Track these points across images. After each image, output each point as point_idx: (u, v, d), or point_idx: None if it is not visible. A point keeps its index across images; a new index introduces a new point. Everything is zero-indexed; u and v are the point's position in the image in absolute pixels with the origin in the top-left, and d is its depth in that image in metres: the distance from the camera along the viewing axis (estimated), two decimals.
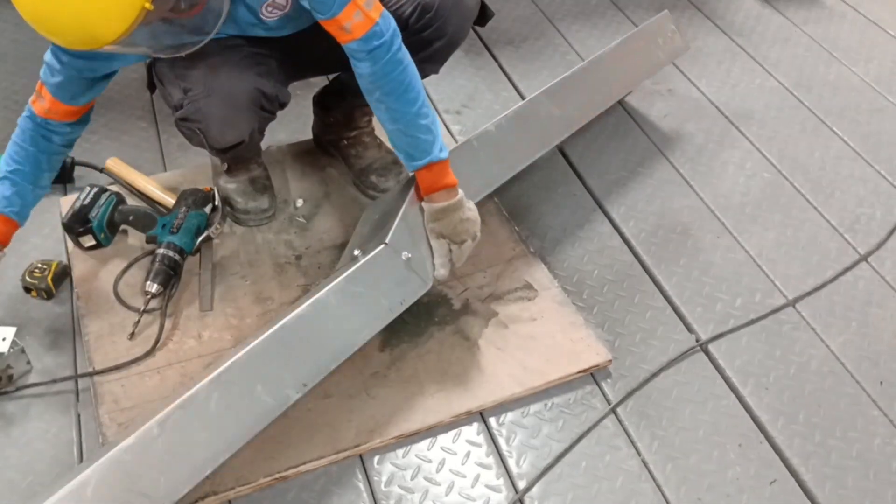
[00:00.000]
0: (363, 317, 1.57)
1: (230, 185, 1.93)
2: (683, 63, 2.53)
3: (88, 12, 1.25)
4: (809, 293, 1.89)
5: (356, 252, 1.62)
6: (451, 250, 1.64)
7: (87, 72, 1.58)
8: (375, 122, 2.02)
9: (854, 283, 1.93)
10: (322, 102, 2.02)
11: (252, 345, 1.44)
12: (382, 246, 1.58)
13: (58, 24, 1.29)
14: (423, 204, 1.62)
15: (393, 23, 1.56)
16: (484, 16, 1.82)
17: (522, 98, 2.43)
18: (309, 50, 1.72)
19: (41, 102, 1.61)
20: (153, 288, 1.73)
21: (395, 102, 1.58)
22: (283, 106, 1.75)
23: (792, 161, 2.26)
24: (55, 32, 1.31)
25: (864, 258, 1.99)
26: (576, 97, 2.07)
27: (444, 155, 1.61)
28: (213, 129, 1.66)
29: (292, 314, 1.49)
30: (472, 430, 1.60)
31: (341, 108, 1.99)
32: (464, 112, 2.37)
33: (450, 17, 1.70)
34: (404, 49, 1.57)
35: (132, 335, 1.70)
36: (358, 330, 1.55)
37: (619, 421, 1.63)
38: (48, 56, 1.56)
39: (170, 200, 1.91)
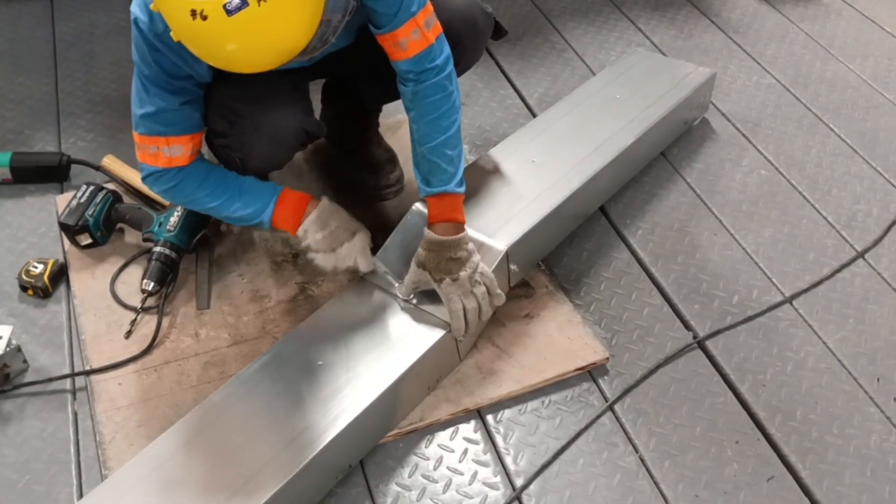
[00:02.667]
0: (411, 399, 1.59)
1: None
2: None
3: (283, 33, 1.21)
4: (806, 290, 1.89)
5: (398, 285, 1.65)
6: (421, 281, 1.60)
7: (198, 92, 1.53)
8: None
9: (851, 280, 1.93)
10: (331, 95, 2.01)
11: (341, 429, 1.43)
12: (447, 332, 1.60)
13: (262, 54, 1.24)
14: (425, 230, 1.59)
15: (447, 48, 1.55)
16: (498, 32, 1.82)
17: (520, 96, 2.43)
18: (335, 65, 1.71)
19: (178, 149, 1.53)
20: (150, 286, 1.73)
21: (427, 126, 1.58)
22: (318, 138, 1.74)
23: (788, 158, 2.26)
24: (258, 62, 1.25)
25: (861, 255, 1.99)
26: (628, 163, 2.07)
27: (460, 190, 1.60)
28: (253, 161, 1.62)
29: (369, 399, 1.47)
30: (469, 428, 1.60)
31: (350, 103, 1.98)
32: (460, 109, 2.36)
33: (464, 43, 1.68)
34: (454, 78, 1.57)
35: (129, 333, 1.70)
36: (399, 411, 1.57)
37: (617, 418, 1.63)
38: (150, 109, 1.48)
39: None
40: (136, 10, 1.41)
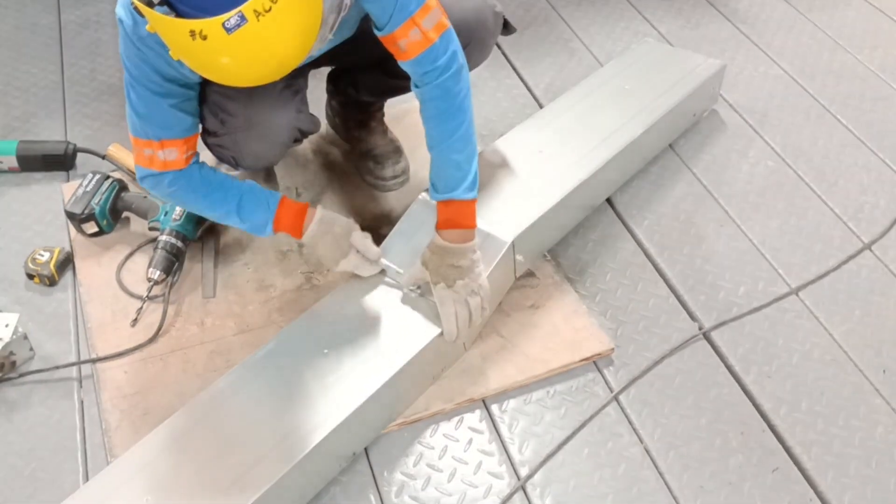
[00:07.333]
0: (415, 388, 1.59)
1: (233, 175, 1.92)
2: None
3: (282, 46, 1.19)
4: (812, 282, 1.89)
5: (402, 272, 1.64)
6: (421, 279, 1.60)
7: (188, 93, 1.51)
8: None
9: (857, 272, 1.92)
10: (336, 84, 2.00)
11: (345, 416, 1.44)
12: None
13: (266, 70, 1.23)
14: (434, 231, 1.58)
15: (454, 45, 1.50)
16: (506, 28, 1.81)
17: (526, 86, 2.42)
18: (335, 57, 1.70)
19: (172, 152, 1.51)
20: (156, 275, 1.73)
21: (434, 129, 1.56)
22: (312, 134, 1.74)
23: (796, 149, 2.25)
24: (260, 76, 1.24)
25: (868, 247, 1.98)
26: (636, 155, 2.06)
27: (468, 196, 1.56)
28: (246, 159, 1.62)
29: (374, 387, 1.47)
30: (474, 418, 1.60)
31: (353, 93, 1.97)
32: (469, 110, 2.35)
33: (474, 43, 1.67)
34: (461, 78, 1.53)
35: (135, 322, 1.70)
36: (403, 399, 1.58)
37: (622, 408, 1.63)
38: (140, 110, 1.47)
39: None
40: (120, 11, 1.39)
